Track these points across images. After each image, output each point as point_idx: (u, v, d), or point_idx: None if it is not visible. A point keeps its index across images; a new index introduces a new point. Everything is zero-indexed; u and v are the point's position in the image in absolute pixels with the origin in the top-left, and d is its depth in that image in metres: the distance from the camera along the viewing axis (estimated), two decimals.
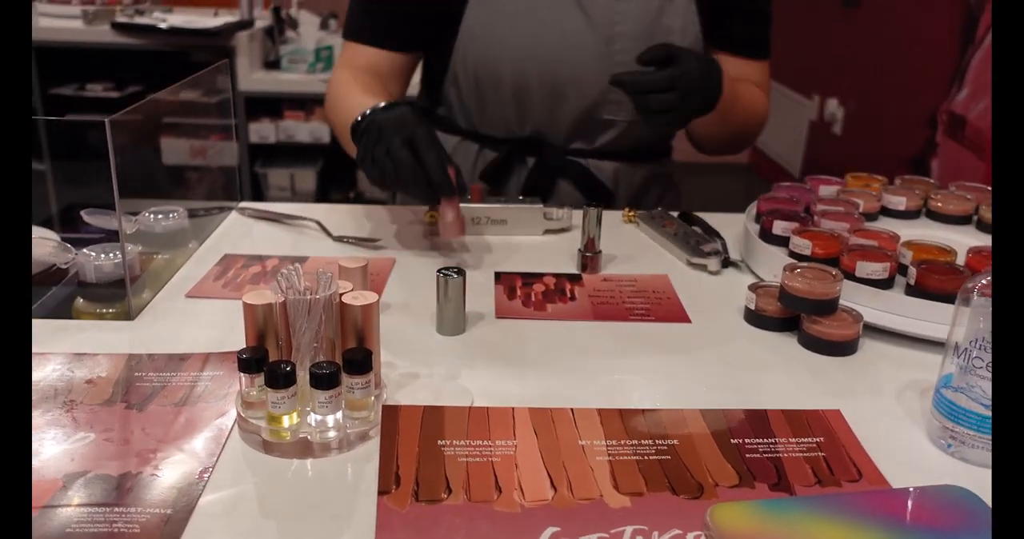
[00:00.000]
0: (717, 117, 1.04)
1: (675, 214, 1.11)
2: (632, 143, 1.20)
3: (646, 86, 0.94)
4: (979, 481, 0.60)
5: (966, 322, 0.62)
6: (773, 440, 0.64)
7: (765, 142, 4.33)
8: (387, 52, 1.17)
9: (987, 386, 0.62)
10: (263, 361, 0.62)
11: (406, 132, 0.91)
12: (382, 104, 0.98)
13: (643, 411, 0.67)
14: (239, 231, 1.07)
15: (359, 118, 0.98)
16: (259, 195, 3.25)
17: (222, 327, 0.81)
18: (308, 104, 3.18)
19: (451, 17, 1.14)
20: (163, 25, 2.92)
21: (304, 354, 0.63)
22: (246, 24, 3.06)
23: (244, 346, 0.63)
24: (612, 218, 1.13)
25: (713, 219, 1.10)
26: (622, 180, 1.22)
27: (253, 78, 3.07)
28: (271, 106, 3.21)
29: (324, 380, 0.61)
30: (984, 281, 0.62)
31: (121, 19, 2.97)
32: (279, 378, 0.61)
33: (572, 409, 0.67)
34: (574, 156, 1.19)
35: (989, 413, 0.62)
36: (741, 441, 0.64)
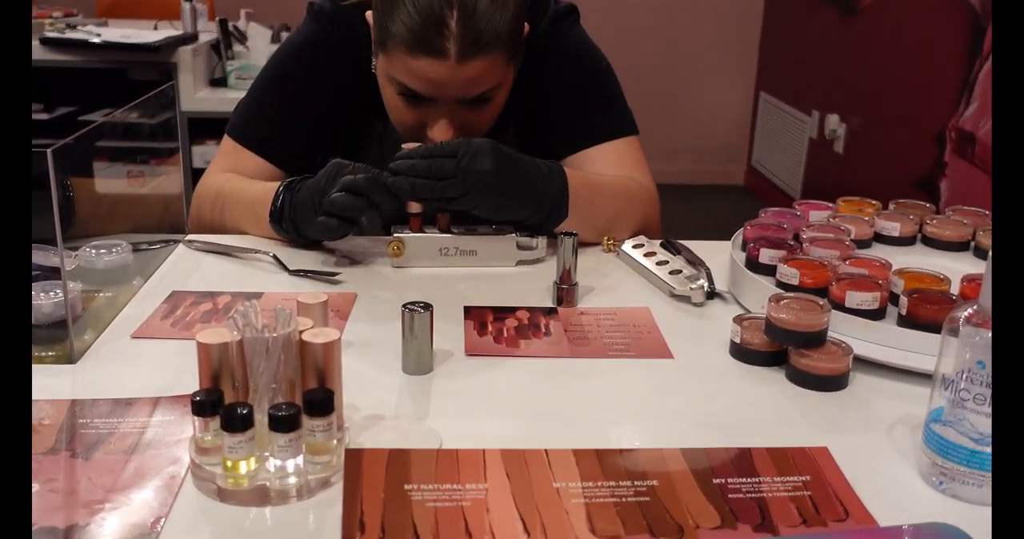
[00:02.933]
0: (583, 216, 1.12)
1: (657, 242, 1.16)
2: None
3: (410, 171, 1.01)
4: (970, 519, 0.65)
5: (954, 353, 0.67)
6: (757, 479, 0.68)
7: (761, 162, 4.43)
8: (279, 171, 1.24)
9: (976, 419, 0.66)
10: (218, 403, 0.66)
11: (342, 170, 1.06)
12: (294, 179, 1.13)
13: (621, 451, 0.72)
14: (187, 266, 1.11)
15: (280, 189, 1.12)
16: None
17: (171, 369, 0.84)
18: None
19: (354, 151, 1.25)
20: (96, 40, 2.96)
21: (262, 395, 0.67)
22: (189, 38, 3.11)
23: (197, 388, 0.67)
24: (591, 248, 1.18)
25: (698, 247, 1.15)
26: None
27: (197, 97, 3.11)
28: (217, 127, 3.26)
29: (283, 422, 0.65)
30: (971, 310, 0.67)
31: (51, 34, 3.01)
32: (236, 421, 0.64)
33: (546, 450, 0.71)
34: None
35: (979, 448, 0.67)
36: (724, 481, 0.68)
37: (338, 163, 1.07)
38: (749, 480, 0.68)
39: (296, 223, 1.11)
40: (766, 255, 1.00)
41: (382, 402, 0.79)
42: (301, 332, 0.68)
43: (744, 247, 1.07)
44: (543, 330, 0.95)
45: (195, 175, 3.28)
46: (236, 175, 1.23)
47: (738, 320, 0.90)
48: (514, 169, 1.06)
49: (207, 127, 3.28)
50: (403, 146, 1.06)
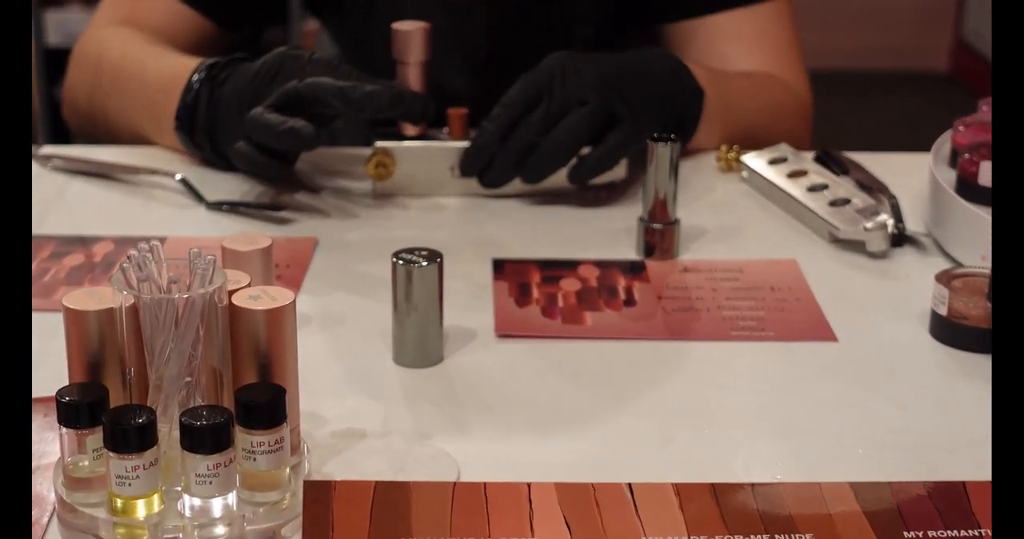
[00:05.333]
0: (706, 136, 1.18)
1: (809, 156, 1.15)
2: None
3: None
4: None
5: None
6: (977, 531, 0.68)
7: (979, 33, 4.37)
8: (206, 23, 1.26)
9: None
10: (100, 407, 0.66)
11: (289, 64, 1.06)
12: (218, 60, 1.13)
13: (753, 486, 0.72)
14: (43, 195, 1.12)
15: (195, 76, 1.11)
16: (65, 138, 3.28)
17: None
18: None
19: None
20: None
21: (169, 395, 0.67)
22: None
23: (66, 384, 0.68)
24: (699, 162, 1.18)
25: (877, 162, 1.14)
26: None
27: None
28: None
29: (204, 438, 0.65)
30: None
31: None
32: (128, 435, 0.65)
33: (630, 485, 0.71)
34: None
35: None
36: (921, 533, 0.68)
37: (285, 53, 1.07)
38: (964, 532, 0.68)
39: (214, 136, 1.11)
40: (991, 173, 1.00)
41: (363, 410, 0.80)
42: (231, 292, 0.69)
43: (954, 161, 1.06)
44: (622, 297, 0.95)
45: (49, 58, 3.30)
46: (132, 31, 1.24)
47: (944, 279, 0.89)
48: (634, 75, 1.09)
49: None
50: (393, 28, 1.07)
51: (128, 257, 0.68)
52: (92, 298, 0.68)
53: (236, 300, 0.68)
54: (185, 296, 0.66)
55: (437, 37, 1.09)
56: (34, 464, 0.73)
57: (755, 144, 1.19)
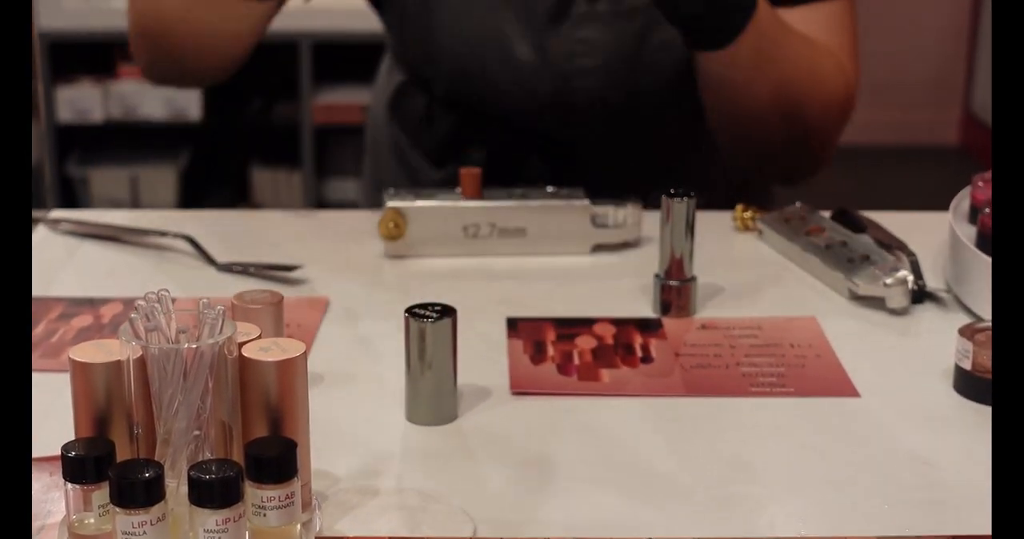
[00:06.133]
0: (758, 55, 1.15)
1: (827, 214, 1.15)
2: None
3: None
4: None
5: None
6: None
7: (987, 106, 4.39)
8: None
9: None
10: (106, 462, 0.65)
11: None
12: None
13: None
14: (52, 258, 1.12)
15: None
16: (74, 207, 3.31)
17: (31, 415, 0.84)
18: None
19: None
20: None
21: (178, 449, 0.67)
22: None
23: (72, 438, 0.67)
24: (715, 222, 1.17)
25: (895, 221, 1.14)
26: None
27: (65, 7, 3.15)
28: (96, 57, 3.29)
29: (213, 493, 0.64)
30: None
31: None
32: (135, 490, 0.64)
33: None
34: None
35: None
36: None
37: None
38: None
39: None
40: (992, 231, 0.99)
41: (376, 468, 0.79)
42: (241, 344, 0.68)
43: (973, 217, 1.05)
44: (639, 354, 0.94)
45: (59, 134, 3.33)
46: None
47: (967, 333, 0.89)
48: None
49: (80, 55, 3.31)
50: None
51: (136, 307, 0.67)
52: (99, 350, 0.67)
53: (246, 352, 0.67)
54: (194, 347, 0.66)
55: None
56: (39, 523, 0.72)
57: (795, 107, 1.20)
